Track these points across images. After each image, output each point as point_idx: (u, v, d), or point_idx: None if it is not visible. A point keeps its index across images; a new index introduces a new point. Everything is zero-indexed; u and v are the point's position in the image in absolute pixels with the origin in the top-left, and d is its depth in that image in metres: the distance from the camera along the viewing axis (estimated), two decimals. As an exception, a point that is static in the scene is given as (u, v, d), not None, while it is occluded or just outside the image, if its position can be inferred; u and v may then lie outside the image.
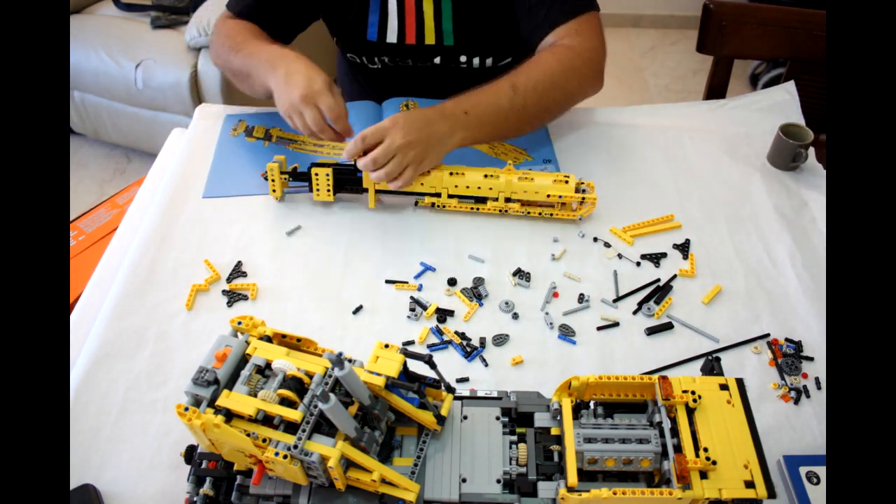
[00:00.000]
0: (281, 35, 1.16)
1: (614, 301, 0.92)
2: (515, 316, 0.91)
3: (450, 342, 0.88)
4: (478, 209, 1.02)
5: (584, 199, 0.99)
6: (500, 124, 1.01)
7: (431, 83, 1.22)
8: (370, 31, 1.15)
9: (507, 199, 1.00)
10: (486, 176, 0.98)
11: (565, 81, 1.02)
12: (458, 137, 0.96)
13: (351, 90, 1.37)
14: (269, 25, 1.14)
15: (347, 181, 1.02)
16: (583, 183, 1.00)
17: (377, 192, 1.02)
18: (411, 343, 0.88)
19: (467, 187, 0.99)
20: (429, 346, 0.87)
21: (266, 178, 1.03)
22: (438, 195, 1.01)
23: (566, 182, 0.98)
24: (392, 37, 1.16)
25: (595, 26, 1.07)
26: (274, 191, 1.04)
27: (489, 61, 1.19)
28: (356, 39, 1.18)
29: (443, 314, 0.90)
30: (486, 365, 0.85)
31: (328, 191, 1.02)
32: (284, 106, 0.97)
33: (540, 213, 1.02)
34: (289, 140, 1.17)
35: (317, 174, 1.00)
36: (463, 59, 1.18)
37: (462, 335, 0.88)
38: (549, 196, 0.98)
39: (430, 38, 1.15)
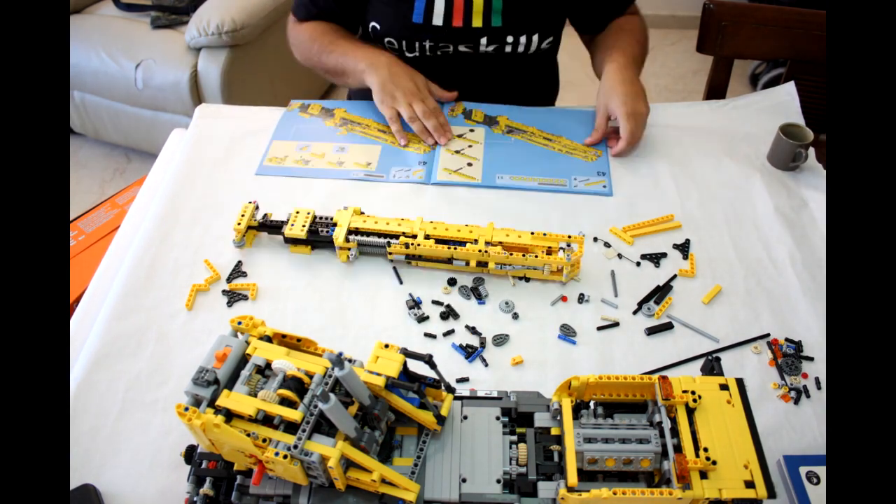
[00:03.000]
0: (352, 26, 1.27)
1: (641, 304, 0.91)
2: (515, 316, 0.91)
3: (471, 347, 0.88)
4: (451, 260, 0.93)
5: (569, 258, 0.91)
6: (639, 68, 1.21)
7: (464, 73, 1.24)
8: (416, 14, 1.17)
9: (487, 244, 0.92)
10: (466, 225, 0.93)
11: (645, 40, 1.27)
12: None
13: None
14: (337, 21, 1.25)
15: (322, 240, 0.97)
16: (570, 239, 0.92)
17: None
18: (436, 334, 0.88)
19: (446, 229, 0.93)
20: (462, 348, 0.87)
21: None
22: (414, 236, 0.93)
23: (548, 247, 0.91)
24: (438, 19, 1.17)
25: (637, 9, 1.31)
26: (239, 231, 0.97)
27: (535, 39, 1.21)
28: (400, 22, 1.19)
29: (447, 313, 0.91)
30: (486, 365, 0.85)
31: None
32: (396, 99, 1.13)
33: (525, 277, 0.94)
34: (354, 122, 1.20)
35: (293, 224, 0.96)
36: (510, 38, 1.20)
37: (473, 329, 0.88)
38: (528, 254, 0.91)
39: (477, 21, 1.17)
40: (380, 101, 1.15)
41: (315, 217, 0.98)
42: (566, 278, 0.94)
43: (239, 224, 0.97)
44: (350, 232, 0.95)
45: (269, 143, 1.16)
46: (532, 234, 0.93)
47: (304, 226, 0.96)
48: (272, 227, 0.98)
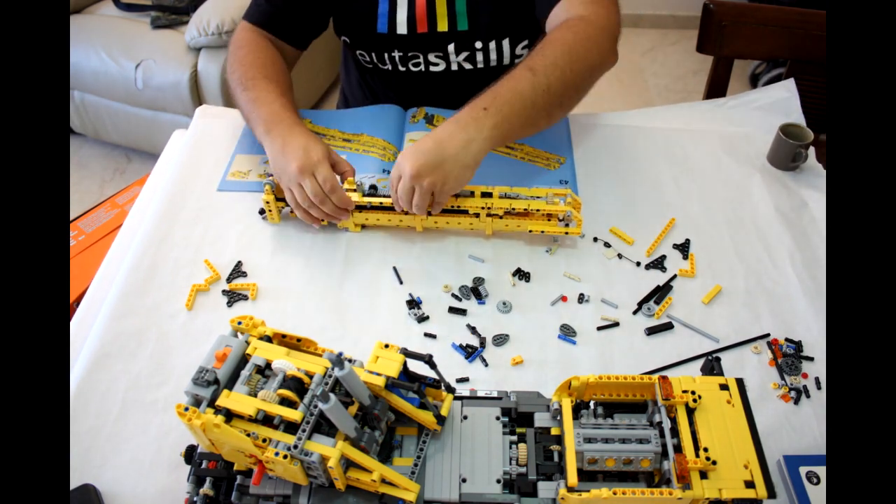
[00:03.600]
0: (297, 41, 1.16)
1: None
2: (515, 316, 0.91)
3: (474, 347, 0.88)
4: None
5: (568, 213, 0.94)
6: (526, 111, 0.90)
7: (444, 89, 1.20)
8: (380, 23, 1.13)
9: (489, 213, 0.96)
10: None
11: (585, 52, 0.94)
12: (481, 142, 0.87)
13: (361, 102, 1.33)
14: (285, 33, 1.15)
15: None
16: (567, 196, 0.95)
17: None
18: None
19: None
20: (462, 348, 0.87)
21: (262, 213, 1.03)
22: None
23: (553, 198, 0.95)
24: (402, 27, 1.13)
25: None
26: (270, 212, 1.01)
27: (506, 44, 1.14)
28: (366, 33, 1.16)
29: (455, 311, 0.91)
30: (486, 365, 0.85)
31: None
32: (282, 178, 0.95)
33: (529, 230, 0.97)
34: (319, 134, 1.16)
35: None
36: (478, 44, 1.14)
37: (473, 329, 0.89)
38: (528, 208, 0.94)
39: (442, 25, 1.12)
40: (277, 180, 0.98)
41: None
42: (574, 228, 0.96)
43: (268, 203, 0.99)
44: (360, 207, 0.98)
45: (232, 158, 1.13)
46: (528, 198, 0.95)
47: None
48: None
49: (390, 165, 1.09)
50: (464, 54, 1.16)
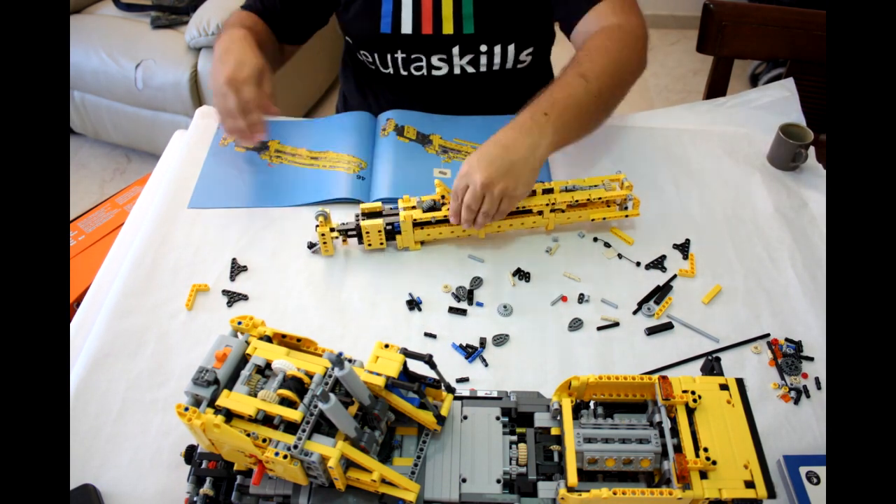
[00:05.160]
0: (292, 35, 1.15)
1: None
2: (515, 316, 0.91)
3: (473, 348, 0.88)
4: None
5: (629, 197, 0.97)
6: (582, 117, 0.94)
7: (444, 94, 1.19)
8: (383, 23, 1.12)
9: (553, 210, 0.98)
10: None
11: (627, 60, 0.99)
12: (545, 147, 0.89)
13: (360, 104, 1.31)
14: (280, 24, 1.14)
15: (396, 231, 0.97)
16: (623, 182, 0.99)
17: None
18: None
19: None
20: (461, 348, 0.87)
21: (312, 246, 0.99)
22: None
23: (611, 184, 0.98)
24: (407, 27, 1.12)
25: (633, 4, 1.05)
26: (325, 244, 0.97)
27: (511, 49, 1.14)
28: (369, 33, 1.14)
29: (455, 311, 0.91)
30: (486, 365, 0.85)
31: (381, 243, 0.98)
32: (212, 85, 0.98)
33: (592, 218, 0.99)
34: (287, 154, 1.14)
35: (367, 231, 0.96)
36: (483, 48, 1.13)
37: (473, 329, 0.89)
38: (591, 198, 0.96)
39: (447, 27, 1.11)
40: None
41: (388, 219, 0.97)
42: (632, 210, 0.99)
43: (323, 235, 0.95)
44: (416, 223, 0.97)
45: (198, 180, 1.10)
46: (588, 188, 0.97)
47: (379, 231, 0.96)
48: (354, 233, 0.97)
49: (354, 178, 1.07)
50: (468, 57, 1.15)
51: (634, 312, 0.91)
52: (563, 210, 0.98)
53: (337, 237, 0.97)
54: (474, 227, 0.92)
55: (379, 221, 0.95)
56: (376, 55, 1.17)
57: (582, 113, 0.94)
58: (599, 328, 0.89)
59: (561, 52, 1.20)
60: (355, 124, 1.17)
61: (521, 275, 0.96)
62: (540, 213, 0.97)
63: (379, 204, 0.98)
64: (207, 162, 1.13)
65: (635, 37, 1.01)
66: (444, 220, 0.96)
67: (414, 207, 0.96)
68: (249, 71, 0.97)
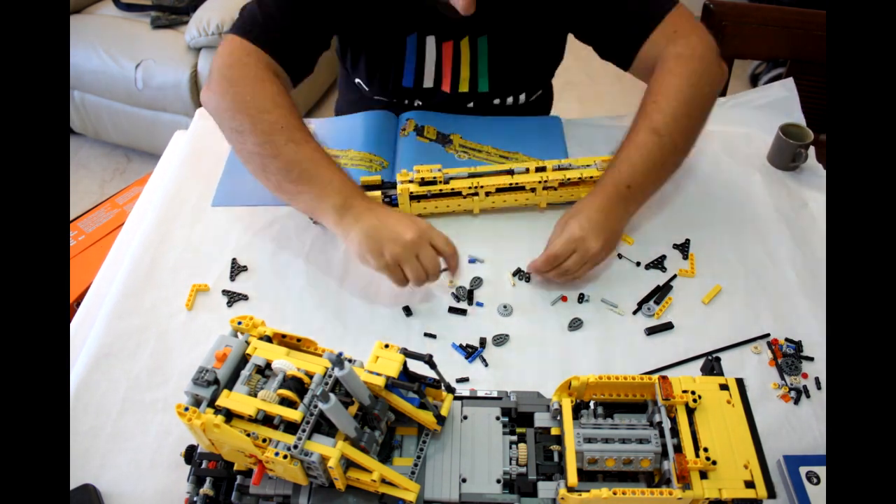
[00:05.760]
0: (300, 66, 1.00)
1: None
2: (515, 316, 0.91)
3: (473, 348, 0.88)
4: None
5: None
6: (659, 176, 0.94)
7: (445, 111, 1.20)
8: (406, 78, 1.13)
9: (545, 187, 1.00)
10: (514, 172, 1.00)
11: (700, 95, 0.94)
12: (628, 217, 0.93)
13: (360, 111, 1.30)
14: (287, 58, 0.97)
15: (394, 204, 1.00)
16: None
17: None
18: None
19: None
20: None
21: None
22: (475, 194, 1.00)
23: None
24: (429, 82, 1.13)
25: (689, 18, 0.98)
26: None
27: (522, 97, 1.18)
28: (390, 85, 1.15)
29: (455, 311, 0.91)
30: (486, 365, 0.85)
31: None
32: (393, 252, 0.83)
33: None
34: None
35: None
36: (496, 101, 1.17)
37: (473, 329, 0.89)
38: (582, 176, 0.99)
39: (464, 87, 1.13)
40: (364, 253, 0.85)
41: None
42: None
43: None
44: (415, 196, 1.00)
45: (221, 178, 1.11)
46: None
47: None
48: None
49: (376, 176, 1.05)
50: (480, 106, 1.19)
51: (634, 312, 0.91)
52: (556, 188, 1.01)
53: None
54: (549, 279, 0.93)
55: (377, 193, 0.98)
56: (395, 100, 1.19)
57: (659, 172, 0.94)
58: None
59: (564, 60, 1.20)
60: (378, 123, 1.18)
61: (521, 275, 0.96)
62: (533, 189, 1.00)
63: (378, 177, 1.00)
64: (230, 160, 1.14)
65: (700, 59, 0.95)
66: (441, 194, 0.99)
67: (411, 181, 0.98)
68: (425, 222, 0.86)
